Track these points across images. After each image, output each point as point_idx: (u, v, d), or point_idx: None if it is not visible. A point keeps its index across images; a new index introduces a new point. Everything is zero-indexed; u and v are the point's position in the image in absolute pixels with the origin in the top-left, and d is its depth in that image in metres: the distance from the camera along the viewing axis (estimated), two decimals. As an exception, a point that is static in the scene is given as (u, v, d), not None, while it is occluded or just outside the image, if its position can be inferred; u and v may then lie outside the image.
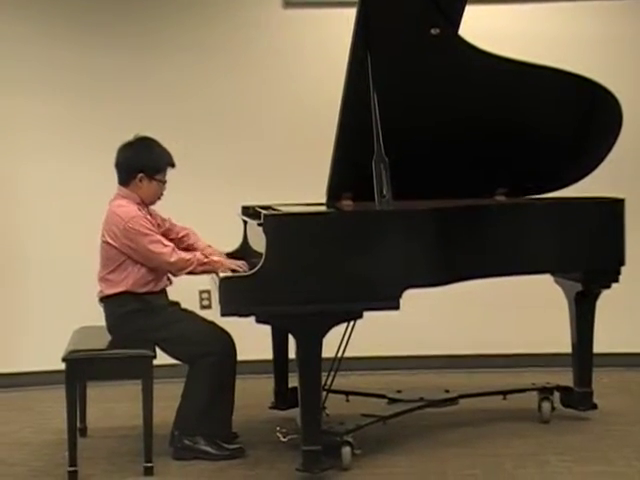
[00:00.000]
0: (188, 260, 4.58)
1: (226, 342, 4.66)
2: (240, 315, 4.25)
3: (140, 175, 4.69)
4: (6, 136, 6.15)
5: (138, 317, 4.63)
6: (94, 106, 6.18)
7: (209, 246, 4.92)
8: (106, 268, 4.68)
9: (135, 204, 4.68)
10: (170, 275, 4.75)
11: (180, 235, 4.95)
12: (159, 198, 4.80)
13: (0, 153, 6.15)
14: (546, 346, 6.02)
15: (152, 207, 4.84)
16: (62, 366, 4.43)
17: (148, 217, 4.71)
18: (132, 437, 4.78)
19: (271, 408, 5.21)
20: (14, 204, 6.18)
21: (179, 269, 4.61)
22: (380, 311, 4.26)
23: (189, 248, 4.87)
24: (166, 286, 4.77)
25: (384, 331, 5.57)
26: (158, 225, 4.83)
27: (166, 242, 4.64)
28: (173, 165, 4.76)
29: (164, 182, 4.75)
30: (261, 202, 4.97)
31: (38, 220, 6.15)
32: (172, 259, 4.57)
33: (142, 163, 4.70)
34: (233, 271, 4.50)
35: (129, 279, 4.63)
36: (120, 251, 4.61)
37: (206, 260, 4.62)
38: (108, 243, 4.64)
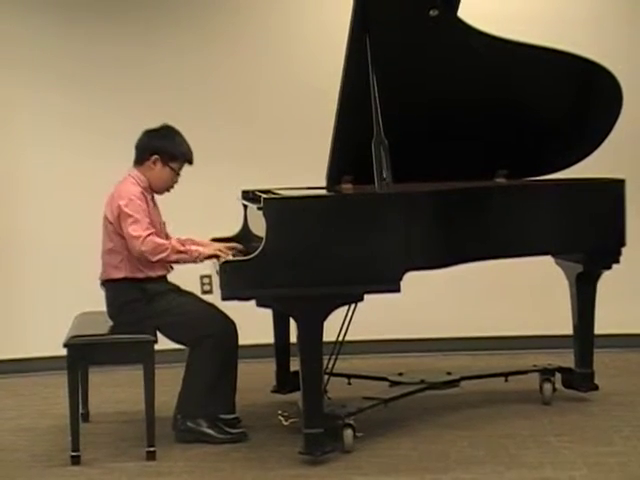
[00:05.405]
0: (162, 245, 4.51)
1: (227, 324, 4.65)
2: (241, 299, 4.27)
3: (155, 157, 4.64)
4: (8, 124, 6.14)
5: (138, 306, 4.62)
6: (93, 94, 6.15)
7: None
8: (105, 246, 4.65)
9: (140, 187, 4.63)
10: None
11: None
12: (168, 190, 4.74)
13: (5, 142, 6.14)
14: (547, 328, 6.02)
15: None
16: (64, 352, 4.43)
17: (150, 207, 4.63)
18: (134, 421, 4.79)
19: (273, 392, 5.21)
20: (17, 192, 6.17)
21: (153, 253, 4.49)
22: (381, 294, 4.27)
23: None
24: (167, 272, 4.74)
25: (385, 314, 5.57)
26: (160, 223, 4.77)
27: (148, 227, 4.52)
28: (191, 162, 4.70)
29: (177, 173, 4.69)
30: (261, 186, 4.96)
31: (40, 208, 6.14)
32: (144, 246, 4.46)
33: (160, 145, 4.64)
34: (215, 256, 4.47)
35: (126, 262, 4.59)
36: (115, 229, 4.58)
37: (182, 249, 4.54)
38: (107, 218, 4.62)
